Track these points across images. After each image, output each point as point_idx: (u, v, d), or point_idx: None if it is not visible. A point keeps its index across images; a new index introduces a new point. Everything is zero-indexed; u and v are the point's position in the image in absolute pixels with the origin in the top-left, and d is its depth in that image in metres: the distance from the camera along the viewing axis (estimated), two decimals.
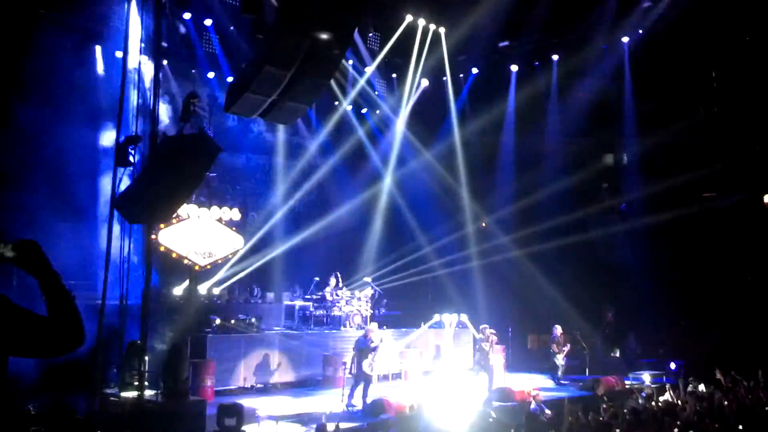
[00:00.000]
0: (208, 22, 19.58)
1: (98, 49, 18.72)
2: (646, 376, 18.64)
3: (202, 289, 19.45)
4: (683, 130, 21.62)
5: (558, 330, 19.39)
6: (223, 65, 20.27)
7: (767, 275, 20.86)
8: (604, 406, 12.57)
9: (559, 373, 19.18)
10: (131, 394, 12.35)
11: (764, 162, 20.71)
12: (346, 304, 20.02)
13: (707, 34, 20.06)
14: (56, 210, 16.02)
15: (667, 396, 14.24)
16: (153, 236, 15.40)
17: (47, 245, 3.63)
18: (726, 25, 19.86)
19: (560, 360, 19.20)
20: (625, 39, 21.48)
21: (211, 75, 20.68)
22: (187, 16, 19.06)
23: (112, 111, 14.21)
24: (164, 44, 16.41)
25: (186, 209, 18.44)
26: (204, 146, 13.31)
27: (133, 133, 13.20)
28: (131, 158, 13.24)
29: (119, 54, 18.34)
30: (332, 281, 20.10)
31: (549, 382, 19.11)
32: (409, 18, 21.44)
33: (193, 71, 20.11)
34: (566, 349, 19.25)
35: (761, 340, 19.44)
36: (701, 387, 14.91)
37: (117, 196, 13.50)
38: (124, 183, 13.20)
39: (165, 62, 19.04)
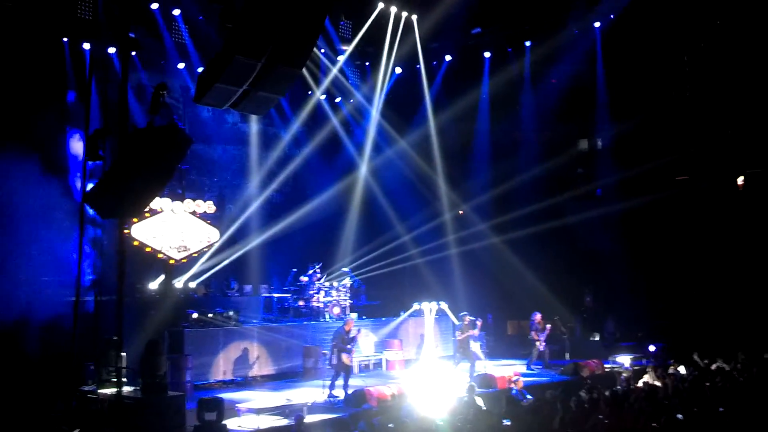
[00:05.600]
0: (176, 11, 19.28)
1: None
2: (626, 359, 18.76)
3: (179, 283, 19.23)
4: (656, 114, 21.73)
5: (537, 316, 19.36)
6: (193, 55, 20.00)
7: (741, 257, 21.06)
8: (585, 389, 12.61)
9: (533, 358, 19.11)
10: (109, 390, 12.16)
11: (737, 145, 20.87)
12: (325, 294, 19.91)
13: (678, 18, 20.14)
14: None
15: (646, 378, 14.32)
16: (126, 231, 15.18)
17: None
18: (697, 9, 19.96)
19: (540, 346, 19.11)
20: (597, 24, 21.51)
21: (181, 66, 20.40)
22: (155, 6, 18.73)
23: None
24: (131, 35, 16.12)
25: (159, 202, 18.20)
26: (175, 138, 13.07)
27: (102, 126, 12.97)
28: (100, 152, 13.02)
29: (86, 45, 18.16)
30: (310, 272, 19.97)
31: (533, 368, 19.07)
32: (380, 5, 21.27)
33: (163, 62, 19.80)
34: (546, 333, 19.14)
35: (738, 322, 19.67)
36: (681, 369, 15.04)
37: (87, 191, 13.28)
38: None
39: (133, 53, 18.76)
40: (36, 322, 15.48)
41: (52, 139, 17.59)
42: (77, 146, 17.61)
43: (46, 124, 17.01)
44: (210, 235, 19.69)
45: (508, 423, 10.54)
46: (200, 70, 18.94)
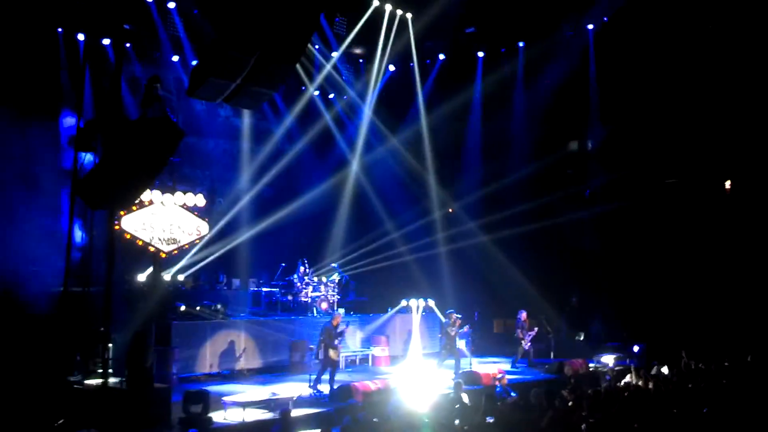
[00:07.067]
0: (171, 4, 19.27)
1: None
2: (610, 359, 18.90)
3: (167, 275, 19.22)
4: (647, 116, 21.86)
5: (523, 315, 19.48)
6: (187, 48, 20.00)
7: (728, 260, 21.22)
8: (569, 389, 12.71)
9: (518, 356, 19.23)
10: (95, 381, 12.19)
11: (725, 148, 21.03)
12: (313, 290, 19.97)
13: (671, 21, 20.27)
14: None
15: (629, 378, 14.44)
16: (116, 222, 15.18)
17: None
18: (688, 13, 20.09)
19: (525, 344, 19.26)
20: (590, 26, 21.62)
21: (175, 58, 20.39)
22: None
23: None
24: (126, 26, 16.15)
25: (149, 195, 18.18)
26: (167, 131, 13.10)
27: (95, 117, 13.00)
28: (92, 143, 13.07)
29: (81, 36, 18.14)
30: (299, 267, 20.02)
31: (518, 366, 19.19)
32: (375, 3, 21.30)
33: (157, 54, 19.79)
34: (532, 333, 19.32)
35: (724, 324, 19.85)
36: (664, 369, 15.17)
37: (78, 182, 13.29)
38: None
39: (128, 45, 18.78)
40: (21, 307, 15.38)
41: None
42: (69, 122, 17.53)
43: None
44: (200, 228, 19.65)
45: (492, 420, 10.63)
46: (194, 63, 19.00)
